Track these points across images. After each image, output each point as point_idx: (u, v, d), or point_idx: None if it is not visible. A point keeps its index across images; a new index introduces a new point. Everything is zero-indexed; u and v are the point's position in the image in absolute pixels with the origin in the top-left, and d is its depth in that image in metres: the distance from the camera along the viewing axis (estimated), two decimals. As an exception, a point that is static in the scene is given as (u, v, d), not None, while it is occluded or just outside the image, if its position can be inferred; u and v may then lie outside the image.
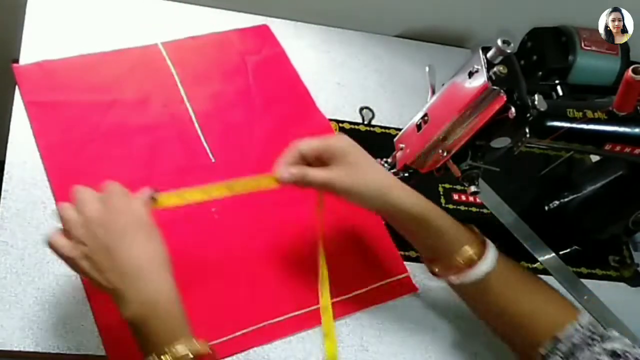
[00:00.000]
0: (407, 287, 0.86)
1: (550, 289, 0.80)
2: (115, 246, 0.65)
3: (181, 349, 0.63)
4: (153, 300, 0.64)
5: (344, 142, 0.77)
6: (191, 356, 0.63)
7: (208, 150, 0.88)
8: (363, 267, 0.85)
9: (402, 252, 0.88)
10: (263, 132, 0.92)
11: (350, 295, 0.83)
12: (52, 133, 0.83)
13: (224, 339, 0.75)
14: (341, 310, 0.81)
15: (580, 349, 0.74)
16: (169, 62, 0.95)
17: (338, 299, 0.82)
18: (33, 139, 0.82)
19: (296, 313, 0.79)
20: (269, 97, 0.96)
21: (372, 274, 0.85)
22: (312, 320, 0.79)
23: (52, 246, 0.66)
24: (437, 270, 0.79)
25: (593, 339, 0.74)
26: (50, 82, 0.87)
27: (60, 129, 0.84)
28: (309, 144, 0.76)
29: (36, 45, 0.90)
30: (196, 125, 0.90)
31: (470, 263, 0.75)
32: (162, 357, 0.62)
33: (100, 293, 0.65)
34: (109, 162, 0.83)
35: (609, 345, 0.72)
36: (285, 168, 0.75)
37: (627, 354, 0.70)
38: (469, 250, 0.75)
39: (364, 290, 0.84)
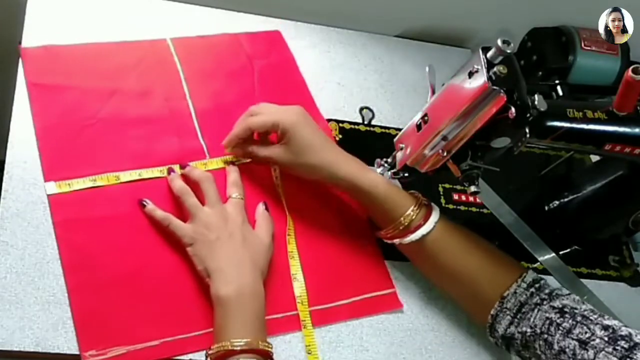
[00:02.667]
0: (393, 303, 0.85)
1: (495, 250, 0.84)
2: (234, 238, 0.77)
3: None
4: (247, 290, 0.73)
5: (292, 120, 0.83)
6: None
7: (204, 147, 0.88)
8: (350, 278, 0.84)
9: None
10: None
11: (334, 304, 0.82)
12: (50, 115, 0.83)
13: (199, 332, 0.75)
14: (323, 318, 0.80)
15: (529, 307, 0.75)
16: (175, 58, 0.95)
17: (320, 307, 0.81)
18: (33, 139, 0.82)
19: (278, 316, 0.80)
20: (273, 101, 0.94)
21: (359, 285, 0.84)
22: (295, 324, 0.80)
23: (172, 225, 0.77)
24: (386, 234, 0.83)
25: (542, 298, 0.76)
26: (54, 66, 0.88)
27: (59, 112, 0.84)
28: (258, 122, 0.85)
29: (40, 38, 0.90)
30: (195, 121, 0.90)
31: (415, 226, 0.80)
32: (235, 343, 0.69)
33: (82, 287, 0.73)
34: (102, 148, 0.83)
35: (557, 303, 0.75)
36: (232, 147, 0.87)
37: (574, 311, 0.73)
38: (412, 214, 0.80)
39: (348, 301, 0.83)
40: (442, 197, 0.97)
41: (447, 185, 0.98)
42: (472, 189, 0.78)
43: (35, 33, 0.90)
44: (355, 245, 0.87)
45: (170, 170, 0.83)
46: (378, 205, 0.82)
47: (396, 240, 0.82)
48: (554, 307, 0.74)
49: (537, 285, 0.78)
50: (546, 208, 1.00)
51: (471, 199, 0.98)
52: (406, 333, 0.84)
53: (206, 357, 0.71)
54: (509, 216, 0.97)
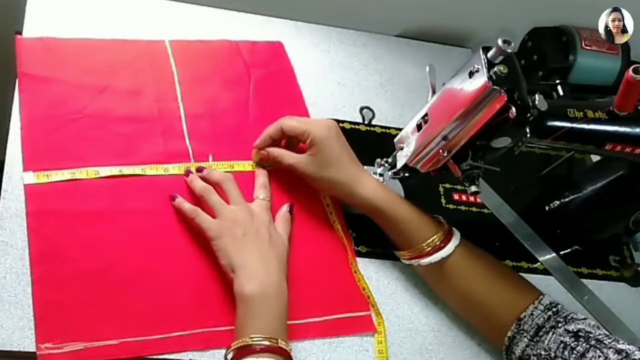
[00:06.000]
0: (367, 325, 0.82)
1: (512, 273, 0.84)
2: (261, 236, 0.77)
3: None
4: (272, 288, 0.74)
5: (323, 134, 0.83)
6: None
7: (190, 151, 0.87)
8: (324, 296, 0.82)
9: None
10: (251, 145, 0.90)
11: (305, 321, 0.80)
12: (37, 106, 0.83)
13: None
14: (292, 334, 0.77)
15: (545, 330, 0.75)
16: (171, 59, 0.95)
17: (296, 322, 0.78)
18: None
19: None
20: (266, 112, 0.94)
21: (333, 305, 0.82)
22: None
23: (199, 218, 0.78)
24: (405, 256, 0.83)
25: (557, 321, 0.76)
26: (48, 58, 0.88)
27: (46, 103, 0.84)
28: (290, 125, 0.85)
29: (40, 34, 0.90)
30: (184, 124, 0.89)
31: (436, 250, 0.80)
32: (255, 338, 0.69)
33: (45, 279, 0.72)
34: (85, 143, 0.83)
35: (572, 327, 0.74)
36: (261, 150, 0.87)
37: (589, 335, 0.72)
38: (435, 239, 0.80)
39: (321, 319, 0.80)
40: (442, 197, 0.97)
41: (447, 185, 0.98)
42: (473, 188, 0.77)
43: (35, 29, 0.90)
44: (329, 264, 0.85)
45: (188, 172, 0.83)
46: (397, 227, 0.82)
47: (414, 261, 0.82)
48: (568, 331, 0.74)
49: (554, 309, 0.77)
50: (547, 208, 1.00)
51: (472, 199, 0.98)
52: (406, 333, 0.84)
53: (226, 355, 0.71)
54: (510, 216, 0.97)
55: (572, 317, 0.76)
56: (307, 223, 0.87)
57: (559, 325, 0.75)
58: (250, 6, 1.05)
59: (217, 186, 0.82)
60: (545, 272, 0.94)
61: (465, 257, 0.81)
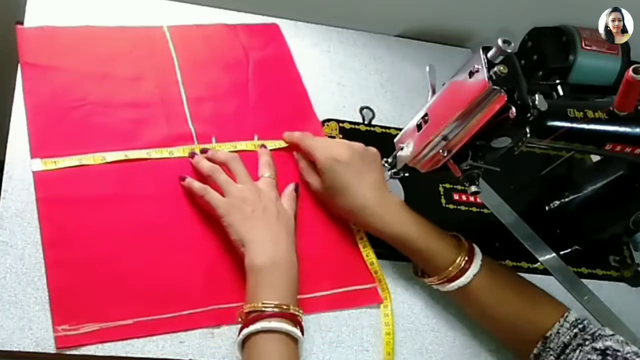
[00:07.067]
0: (373, 297, 0.83)
1: (536, 289, 0.83)
2: (269, 212, 0.78)
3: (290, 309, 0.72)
4: (283, 260, 0.75)
5: (327, 162, 0.83)
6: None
7: (193, 133, 0.88)
8: (330, 270, 0.84)
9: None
10: (252, 126, 0.92)
11: (314, 295, 0.81)
12: (41, 95, 0.84)
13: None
14: (308, 308, 0.78)
15: (572, 347, 0.75)
16: (170, 45, 0.95)
17: (304, 296, 0.79)
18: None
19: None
20: (266, 93, 0.96)
21: (339, 278, 0.83)
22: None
23: (208, 196, 0.79)
24: (433, 282, 0.82)
25: (584, 339, 0.75)
26: (50, 47, 0.89)
27: (49, 92, 0.85)
28: (305, 146, 0.87)
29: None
30: (186, 108, 0.90)
31: (463, 272, 0.79)
32: (266, 303, 0.70)
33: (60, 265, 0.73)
34: (90, 129, 0.84)
35: (599, 344, 0.73)
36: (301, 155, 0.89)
37: (617, 353, 0.71)
38: (459, 261, 0.79)
39: (329, 292, 0.82)
40: (442, 197, 0.97)
41: (447, 185, 0.98)
42: (473, 188, 0.77)
43: (37, 19, 0.90)
44: (334, 239, 0.86)
45: (192, 154, 0.84)
46: (420, 257, 0.82)
47: (445, 287, 0.81)
48: (596, 349, 0.72)
49: (580, 326, 0.76)
50: (547, 208, 1.00)
51: (472, 199, 0.98)
52: (406, 333, 0.84)
53: (238, 317, 0.72)
54: (510, 216, 0.97)
55: (599, 334, 0.75)
56: (313, 200, 0.88)
57: (586, 343, 0.74)
58: (250, 6, 1.05)
59: (223, 166, 0.82)
60: (545, 272, 0.94)
61: (489, 276, 0.80)
